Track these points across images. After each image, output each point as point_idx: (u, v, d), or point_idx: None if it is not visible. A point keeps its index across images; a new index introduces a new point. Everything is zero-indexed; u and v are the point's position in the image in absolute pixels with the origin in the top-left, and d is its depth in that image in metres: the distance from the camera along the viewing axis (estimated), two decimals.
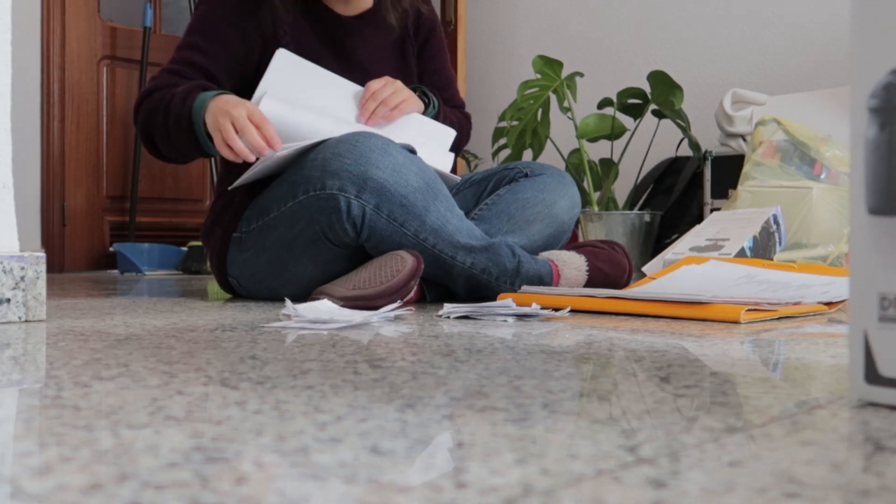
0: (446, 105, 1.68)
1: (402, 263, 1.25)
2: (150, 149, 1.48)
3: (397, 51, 1.63)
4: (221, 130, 1.31)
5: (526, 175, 1.56)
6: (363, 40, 1.58)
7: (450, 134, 1.57)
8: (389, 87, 1.47)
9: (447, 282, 1.38)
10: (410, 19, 1.65)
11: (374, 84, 1.47)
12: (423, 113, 1.55)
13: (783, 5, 2.62)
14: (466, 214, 1.45)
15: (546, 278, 1.38)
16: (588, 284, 1.42)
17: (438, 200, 1.33)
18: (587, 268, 1.43)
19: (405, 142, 1.39)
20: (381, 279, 1.25)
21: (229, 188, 1.48)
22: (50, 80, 3.36)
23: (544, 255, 1.45)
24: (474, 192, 1.61)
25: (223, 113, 1.31)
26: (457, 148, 1.63)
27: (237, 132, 1.30)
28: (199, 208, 3.76)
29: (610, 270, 1.44)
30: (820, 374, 0.65)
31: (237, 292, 1.53)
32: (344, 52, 1.56)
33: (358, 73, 1.54)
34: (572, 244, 1.56)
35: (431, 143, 1.51)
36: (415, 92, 1.57)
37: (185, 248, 2.97)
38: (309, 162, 1.33)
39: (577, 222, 2.39)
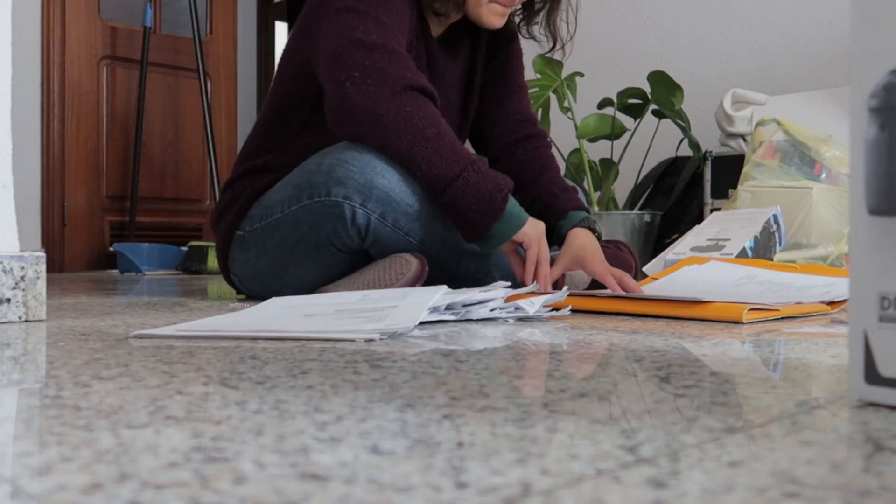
0: (522, 114, 1.60)
1: (406, 266, 1.25)
2: (357, 126, 1.28)
3: (465, 77, 1.58)
4: (534, 253, 1.28)
5: None
6: (441, 64, 1.52)
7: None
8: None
9: (449, 285, 1.38)
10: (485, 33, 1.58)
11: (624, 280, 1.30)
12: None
13: (783, 5, 2.62)
14: None
15: None
16: (593, 285, 1.42)
17: None
18: None
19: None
20: (386, 282, 1.24)
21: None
22: (50, 80, 3.36)
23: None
24: None
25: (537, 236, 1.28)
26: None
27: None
28: (199, 208, 3.76)
29: None
30: (820, 374, 0.65)
31: (239, 290, 1.53)
32: (434, 77, 1.49)
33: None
34: None
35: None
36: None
37: (185, 248, 2.97)
38: (314, 166, 1.32)
39: None
